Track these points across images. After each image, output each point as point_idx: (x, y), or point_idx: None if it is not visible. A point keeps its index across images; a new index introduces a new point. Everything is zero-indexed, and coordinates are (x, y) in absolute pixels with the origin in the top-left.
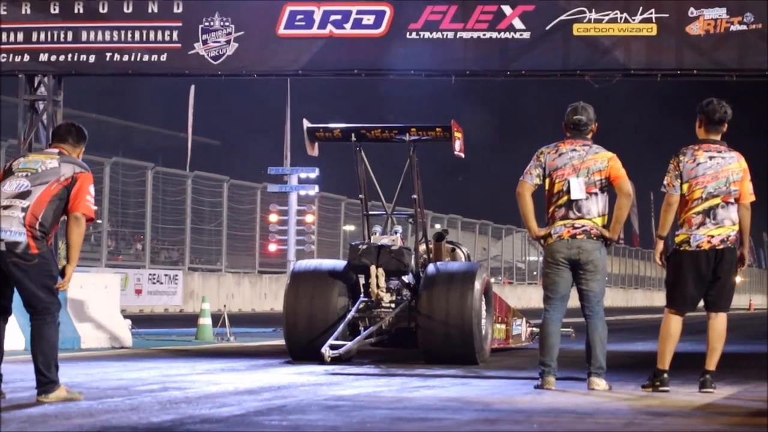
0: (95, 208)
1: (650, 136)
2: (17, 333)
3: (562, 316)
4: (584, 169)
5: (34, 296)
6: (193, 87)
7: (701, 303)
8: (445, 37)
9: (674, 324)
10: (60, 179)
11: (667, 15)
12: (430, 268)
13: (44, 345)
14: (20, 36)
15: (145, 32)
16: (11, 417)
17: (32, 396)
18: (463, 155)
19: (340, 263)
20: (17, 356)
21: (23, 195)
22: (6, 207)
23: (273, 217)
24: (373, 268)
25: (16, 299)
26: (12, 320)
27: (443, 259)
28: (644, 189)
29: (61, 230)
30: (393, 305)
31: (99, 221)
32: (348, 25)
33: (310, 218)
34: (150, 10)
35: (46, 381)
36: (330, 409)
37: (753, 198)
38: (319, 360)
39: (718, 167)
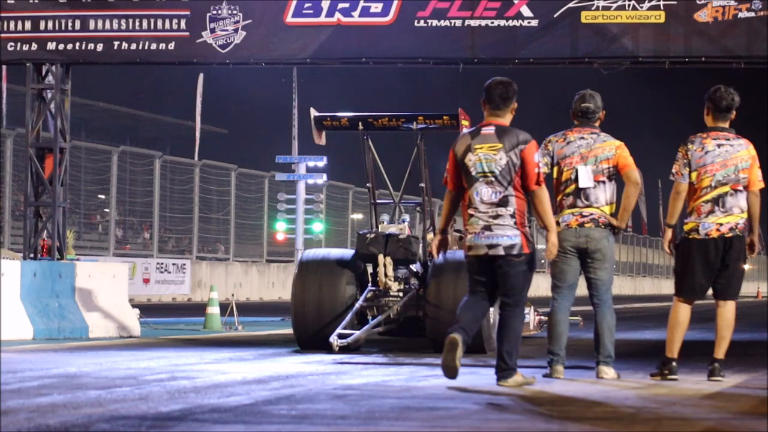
0: (541, 170)
1: (658, 123)
2: (26, 323)
3: (570, 305)
4: (592, 158)
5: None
6: (201, 75)
7: (710, 291)
8: (453, 24)
9: (683, 312)
10: (514, 177)
11: (675, 2)
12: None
13: (511, 334)
14: (28, 24)
15: (152, 20)
16: (20, 406)
17: (41, 385)
18: None
19: (348, 252)
20: (26, 345)
21: (504, 202)
22: (495, 216)
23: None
24: (381, 257)
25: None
26: (21, 310)
27: (451, 248)
28: (652, 177)
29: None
30: (401, 294)
31: (106, 210)
32: (356, 13)
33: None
34: None
35: (505, 367)
36: (338, 398)
37: (762, 185)
38: (328, 349)
39: (726, 155)
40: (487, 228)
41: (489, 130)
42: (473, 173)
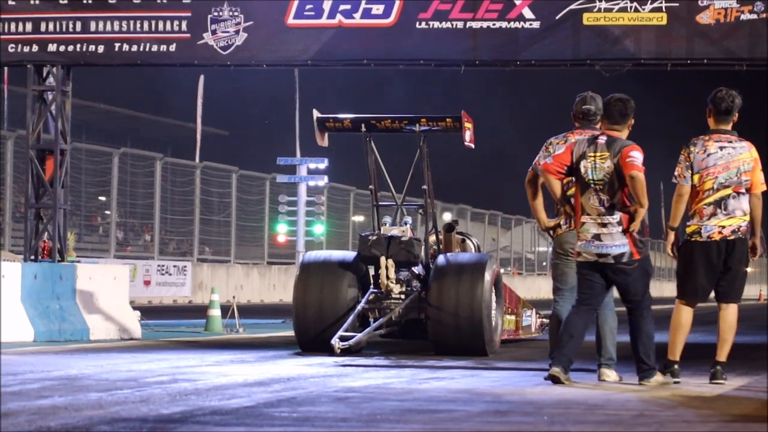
0: (639, 165)
1: (660, 126)
2: (26, 325)
3: (571, 307)
4: None
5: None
6: (202, 77)
7: (712, 294)
8: (454, 26)
9: (685, 315)
10: (622, 183)
11: (677, 4)
12: (440, 259)
13: (643, 336)
14: (29, 26)
15: (153, 22)
16: (21, 409)
17: (42, 388)
18: (473, 146)
19: (349, 254)
20: (26, 348)
21: (611, 210)
22: (603, 224)
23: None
24: (383, 259)
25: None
26: (21, 313)
27: (453, 250)
28: (654, 179)
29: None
30: (403, 296)
31: (107, 212)
32: (357, 15)
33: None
34: (159, 0)
35: (646, 368)
36: (340, 400)
37: (764, 188)
38: (329, 351)
39: (729, 157)
40: (597, 237)
41: (602, 140)
42: (586, 180)
